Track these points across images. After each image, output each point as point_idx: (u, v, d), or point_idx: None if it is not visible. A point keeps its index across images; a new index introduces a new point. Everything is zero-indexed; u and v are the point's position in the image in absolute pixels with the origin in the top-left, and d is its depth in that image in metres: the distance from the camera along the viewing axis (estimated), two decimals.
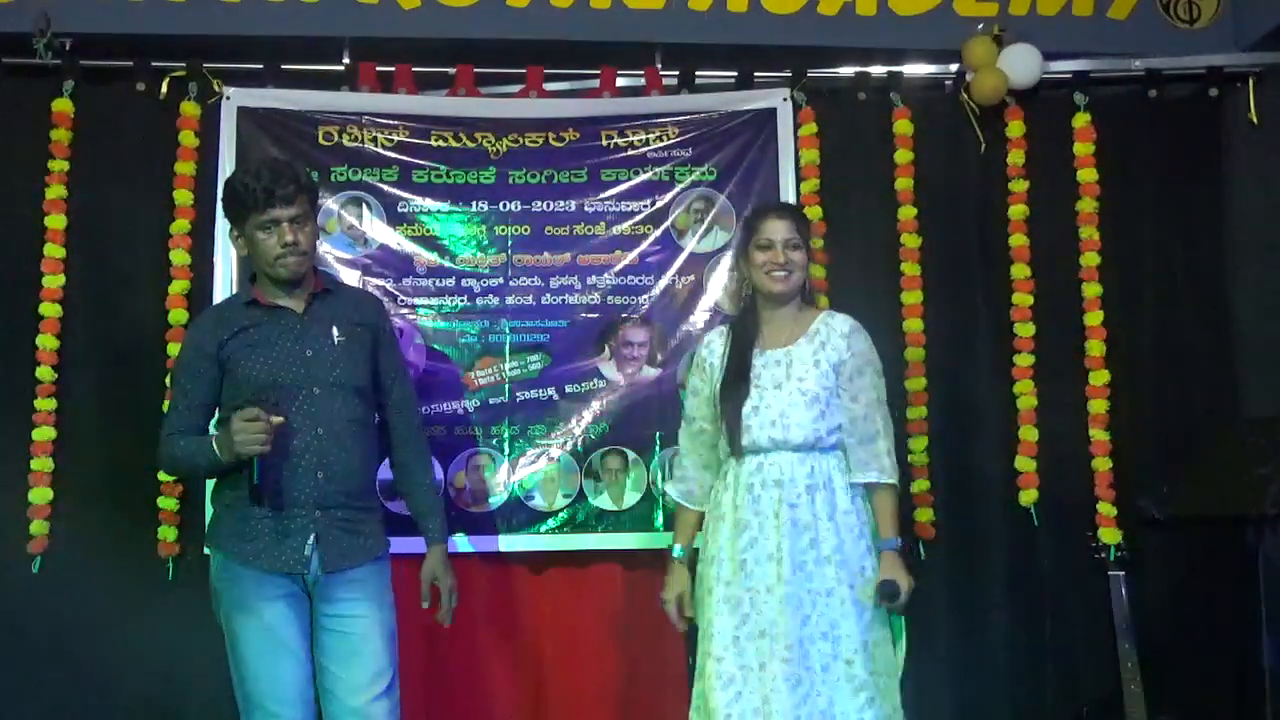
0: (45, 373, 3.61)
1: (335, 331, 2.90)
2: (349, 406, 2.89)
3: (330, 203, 3.73)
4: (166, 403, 3.56)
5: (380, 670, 2.83)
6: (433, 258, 3.78)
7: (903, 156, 3.94)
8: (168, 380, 3.59)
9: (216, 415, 2.94)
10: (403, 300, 3.75)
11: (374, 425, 3.01)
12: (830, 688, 2.81)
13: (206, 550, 2.98)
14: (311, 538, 2.81)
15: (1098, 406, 3.90)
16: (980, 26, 3.94)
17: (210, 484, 3.51)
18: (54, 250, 3.66)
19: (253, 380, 2.82)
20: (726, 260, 3.76)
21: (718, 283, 3.77)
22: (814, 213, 3.87)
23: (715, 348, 3.11)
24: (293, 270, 2.86)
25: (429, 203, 3.79)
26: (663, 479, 3.62)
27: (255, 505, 2.76)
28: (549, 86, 3.92)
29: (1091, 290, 3.94)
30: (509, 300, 3.78)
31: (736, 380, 2.99)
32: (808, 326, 3.02)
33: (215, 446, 2.76)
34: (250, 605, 2.79)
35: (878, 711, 2.81)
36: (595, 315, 3.79)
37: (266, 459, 2.73)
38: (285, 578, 2.81)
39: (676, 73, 3.94)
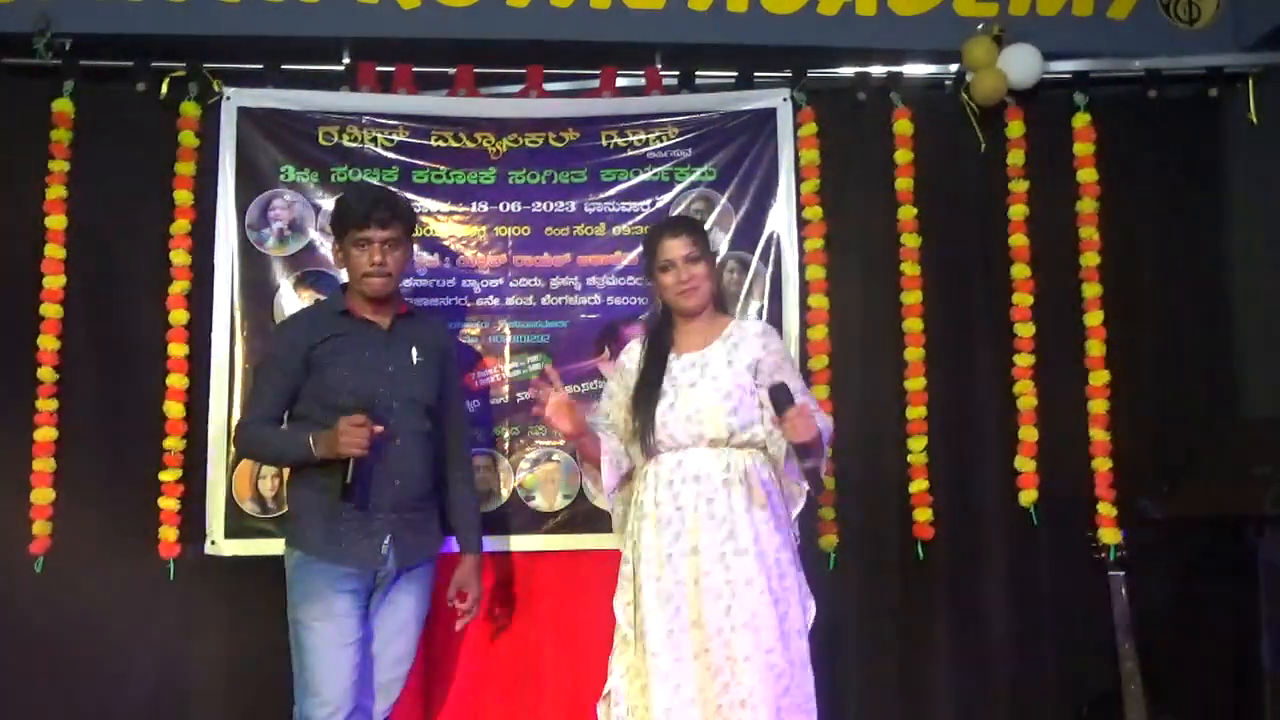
0: (46, 373, 3.61)
1: (415, 352, 3.15)
2: (421, 420, 3.14)
3: (329, 204, 3.72)
4: (168, 403, 3.59)
5: (407, 653, 3.16)
6: (433, 258, 3.79)
7: (903, 156, 3.94)
8: (169, 380, 3.61)
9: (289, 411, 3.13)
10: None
11: (436, 436, 3.20)
12: (752, 676, 2.86)
13: (289, 548, 3.10)
14: (388, 537, 3.05)
15: (1098, 406, 3.90)
16: (980, 26, 3.93)
17: (212, 482, 3.54)
18: (54, 250, 3.66)
19: (339, 385, 3.02)
20: (726, 261, 3.78)
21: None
22: (814, 213, 3.88)
23: (634, 355, 3.18)
24: (376, 290, 3.09)
25: (429, 203, 3.79)
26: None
27: (345, 501, 2.96)
28: (549, 86, 3.92)
29: (1091, 290, 3.94)
30: (509, 301, 3.79)
31: (651, 384, 3.07)
32: (721, 331, 3.11)
33: (311, 442, 2.96)
34: (324, 597, 2.99)
35: (793, 699, 2.88)
36: (595, 316, 3.79)
37: (362, 463, 2.94)
38: (358, 573, 3.03)
39: (676, 73, 3.94)
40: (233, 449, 3.55)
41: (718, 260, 3.36)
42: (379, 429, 2.94)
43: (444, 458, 3.27)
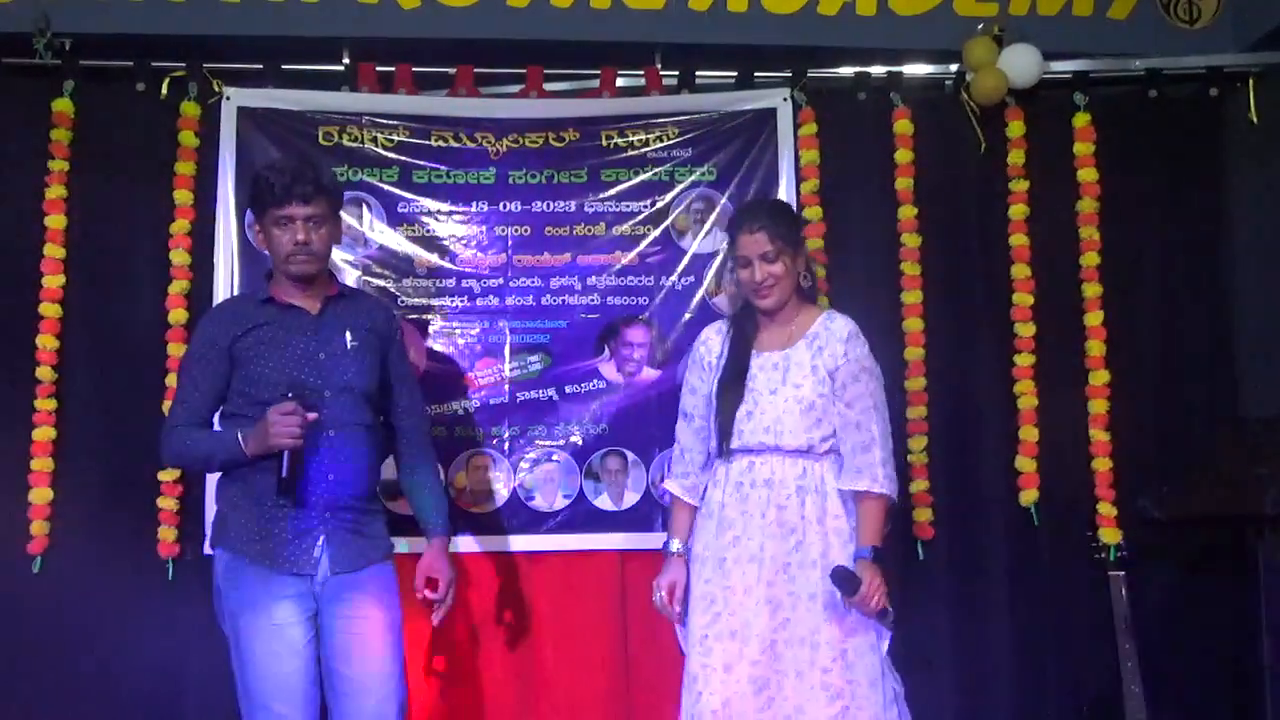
0: (45, 373, 3.61)
1: (348, 336, 2.92)
2: (358, 410, 2.91)
3: None
4: (167, 403, 3.58)
5: (389, 671, 2.85)
6: (433, 258, 3.78)
7: (903, 156, 3.94)
8: (168, 380, 3.60)
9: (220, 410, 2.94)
10: (403, 301, 3.75)
11: (379, 429, 3.02)
12: (801, 694, 2.76)
13: (210, 550, 2.96)
14: (321, 539, 2.82)
15: (1098, 406, 3.89)
16: (980, 26, 3.93)
17: (211, 482, 3.53)
18: (54, 250, 3.65)
19: (266, 378, 2.83)
20: (728, 261, 3.78)
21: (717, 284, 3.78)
22: (814, 213, 3.87)
23: (713, 346, 3.06)
24: (302, 269, 2.88)
25: (429, 203, 3.79)
26: (662, 480, 3.60)
27: (282, 498, 2.77)
28: (549, 86, 3.91)
29: (1091, 290, 3.94)
30: (509, 301, 3.78)
31: (733, 382, 2.95)
32: (806, 328, 2.98)
33: (240, 439, 2.77)
34: (258, 604, 2.78)
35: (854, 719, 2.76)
36: (595, 316, 3.78)
37: (298, 454, 2.75)
38: (294, 578, 2.81)
39: (676, 73, 3.94)
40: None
41: (802, 253, 3.05)
42: (311, 416, 2.74)
43: (400, 451, 3.08)
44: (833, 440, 2.91)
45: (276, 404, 2.73)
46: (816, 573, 2.82)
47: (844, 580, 2.76)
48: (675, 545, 3.05)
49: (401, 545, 3.12)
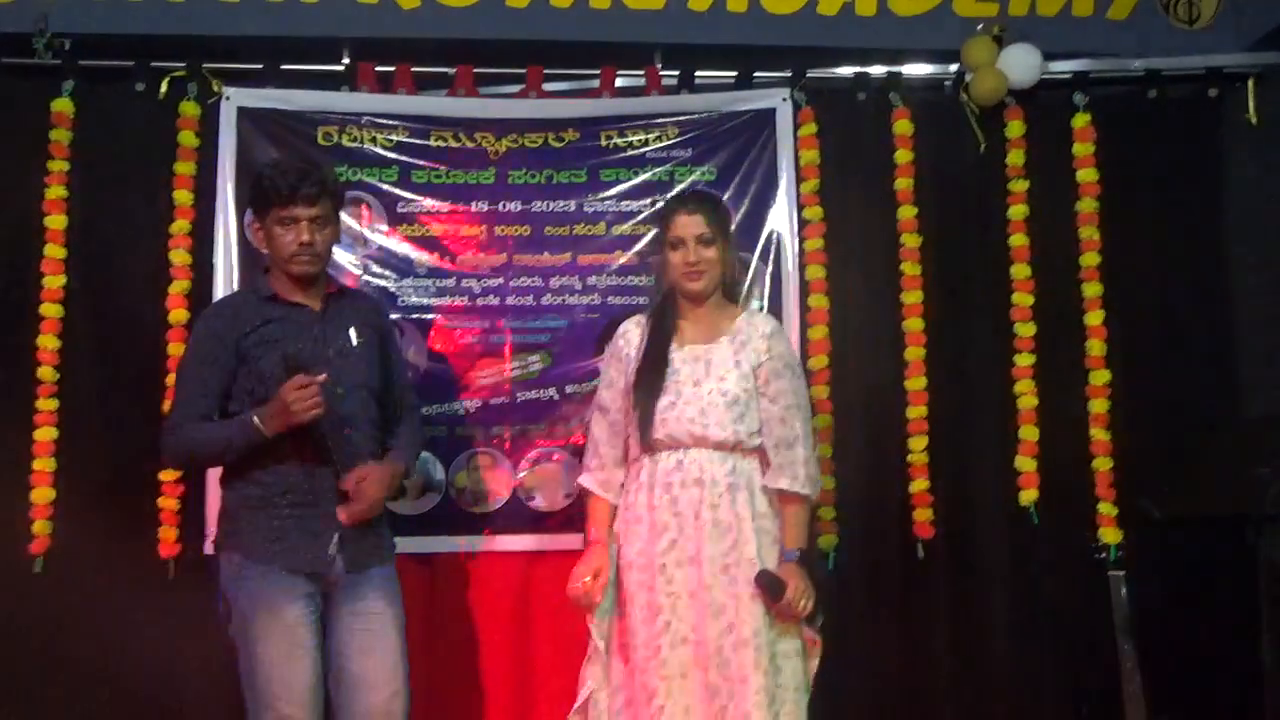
0: (46, 373, 3.61)
1: (353, 333, 2.93)
2: (368, 407, 2.92)
3: None
4: (167, 403, 3.58)
5: (396, 665, 2.87)
6: (433, 258, 3.78)
7: (903, 156, 3.94)
8: (168, 380, 3.60)
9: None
10: (403, 300, 3.75)
11: (384, 425, 3.02)
12: (747, 700, 2.70)
13: (214, 551, 2.95)
14: (336, 537, 2.82)
15: (1098, 406, 3.90)
16: (980, 26, 3.93)
17: (212, 482, 3.53)
18: (54, 250, 3.66)
19: (275, 375, 2.78)
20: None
21: None
22: (814, 213, 3.88)
23: (632, 338, 2.99)
24: (304, 270, 2.88)
25: (429, 203, 3.80)
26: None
27: (326, 465, 2.78)
28: (549, 86, 3.92)
29: (1091, 290, 3.94)
30: (509, 300, 3.78)
31: (652, 373, 2.88)
32: (729, 325, 2.94)
33: (258, 422, 2.74)
34: (271, 605, 2.76)
35: None
36: (595, 316, 3.79)
37: (325, 419, 2.74)
38: (306, 578, 2.80)
39: (676, 73, 3.94)
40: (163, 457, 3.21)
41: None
42: (321, 378, 2.71)
43: (392, 430, 3.05)
44: (759, 436, 2.87)
45: (286, 382, 2.71)
46: (754, 572, 2.78)
47: (769, 585, 2.74)
48: (595, 533, 2.96)
49: (402, 545, 3.11)
